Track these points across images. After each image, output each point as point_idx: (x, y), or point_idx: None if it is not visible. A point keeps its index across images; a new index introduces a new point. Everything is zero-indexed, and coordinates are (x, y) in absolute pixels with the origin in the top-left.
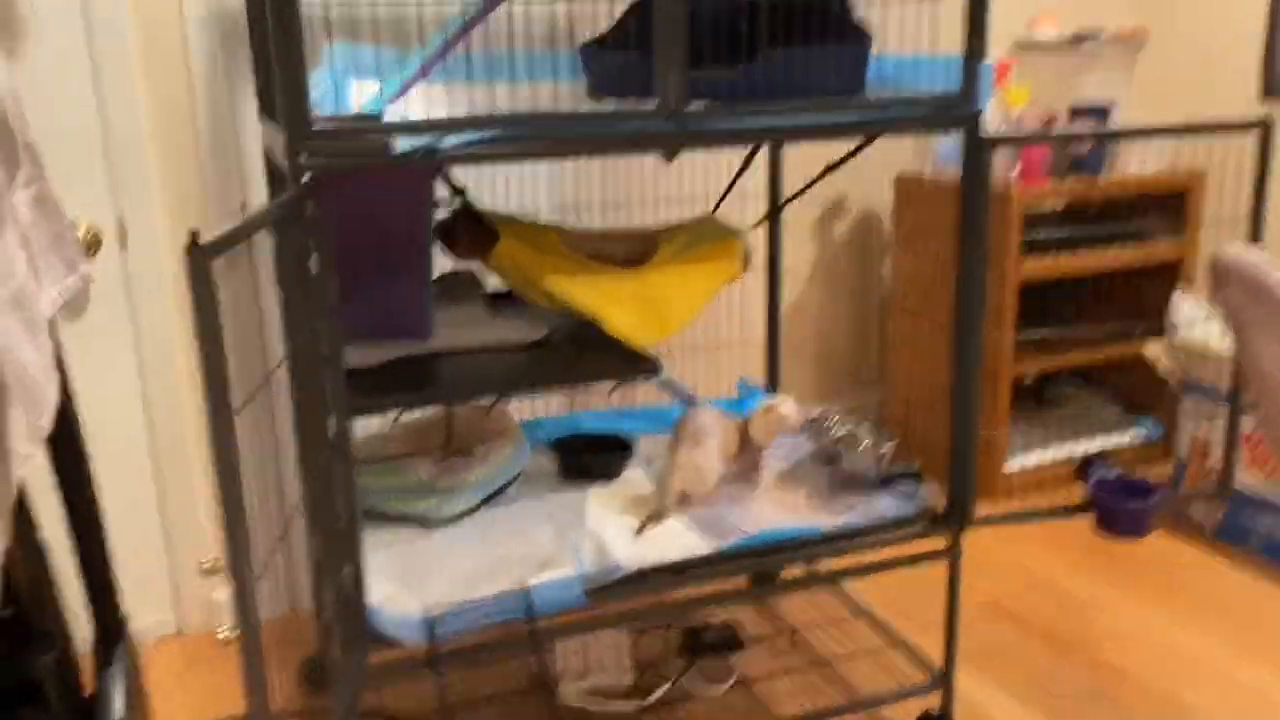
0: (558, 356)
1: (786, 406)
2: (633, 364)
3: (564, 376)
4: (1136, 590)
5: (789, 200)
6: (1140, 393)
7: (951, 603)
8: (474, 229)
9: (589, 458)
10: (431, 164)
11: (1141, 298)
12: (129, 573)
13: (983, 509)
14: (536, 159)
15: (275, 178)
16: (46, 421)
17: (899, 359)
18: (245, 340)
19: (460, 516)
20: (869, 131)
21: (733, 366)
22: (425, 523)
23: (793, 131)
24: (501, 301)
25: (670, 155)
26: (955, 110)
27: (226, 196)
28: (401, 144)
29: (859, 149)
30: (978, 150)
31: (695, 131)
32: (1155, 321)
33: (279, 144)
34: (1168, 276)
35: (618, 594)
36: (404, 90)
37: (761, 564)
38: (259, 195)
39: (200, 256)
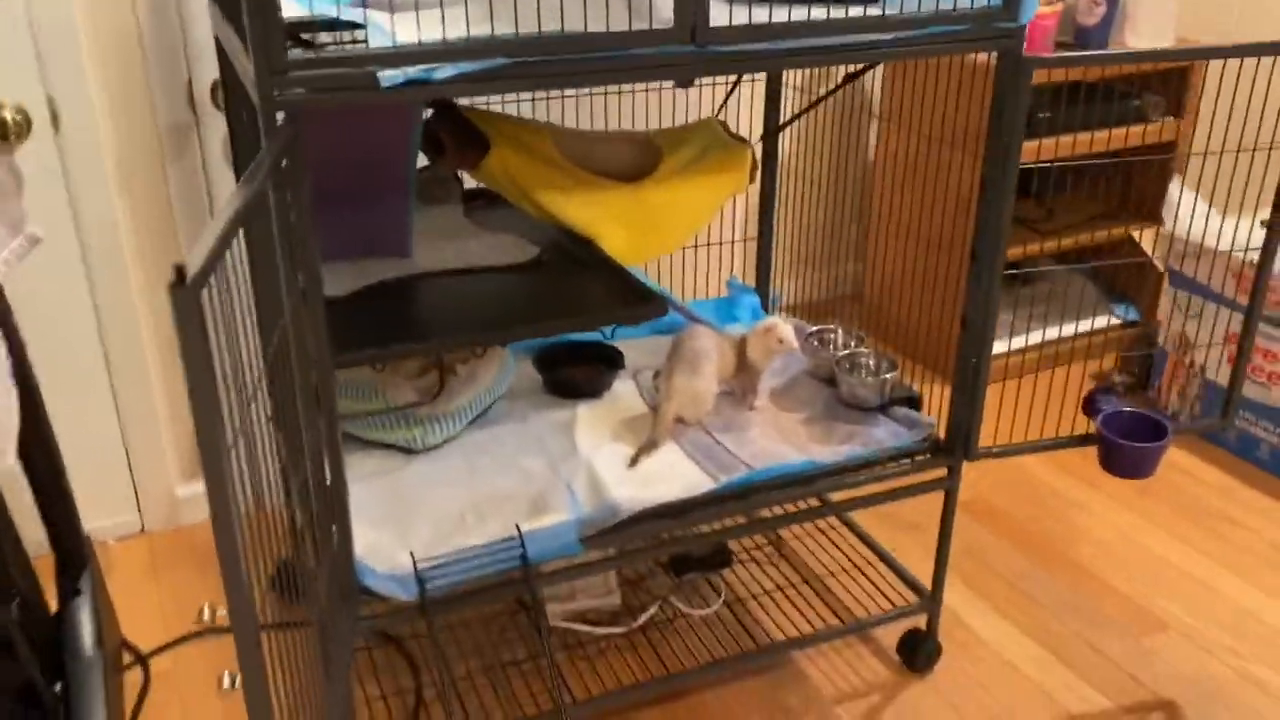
0: (551, 283)
1: (785, 330)
2: (638, 303)
3: (562, 318)
4: (1116, 489)
5: (799, 115)
6: (1121, 275)
7: (944, 532)
8: (461, 136)
9: (575, 372)
10: (423, 96)
11: (1132, 178)
12: (87, 473)
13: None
14: (542, 89)
15: (226, 63)
16: (11, 452)
17: (880, 236)
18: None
19: (444, 443)
20: (903, 54)
21: (720, 261)
22: (407, 451)
23: (822, 53)
24: (482, 202)
25: (686, 83)
26: (996, 24)
27: (170, 71)
28: (390, 75)
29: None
30: (1018, 73)
31: (719, 56)
32: (1144, 205)
33: (247, 74)
34: (1160, 158)
35: (615, 537)
36: None
37: (765, 500)
38: (208, 70)
39: (189, 293)
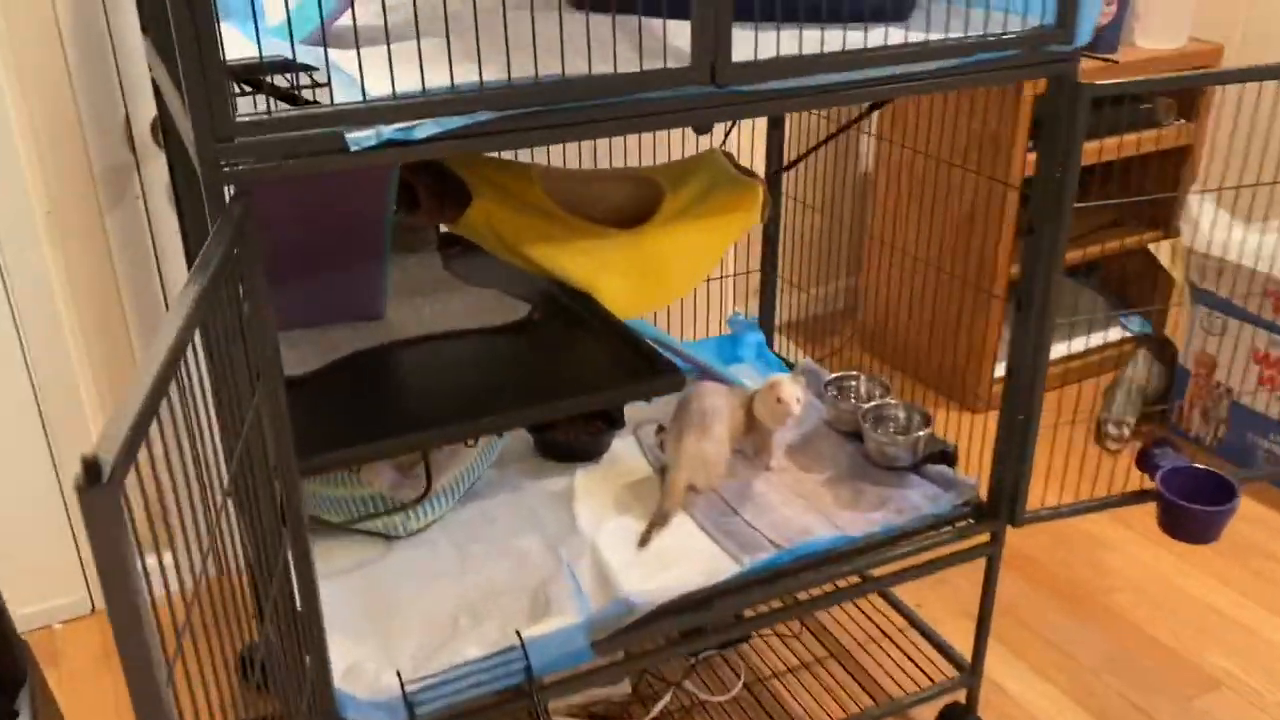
0: (546, 348)
1: (787, 390)
2: (650, 374)
3: (562, 397)
4: (1146, 525)
5: (815, 148)
6: (1131, 287)
7: (985, 602)
8: (438, 186)
9: (570, 432)
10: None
11: (1143, 185)
12: (28, 550)
13: (965, 422)
14: (539, 143)
15: (162, 101)
16: None
17: (878, 253)
18: (139, 287)
19: (428, 526)
20: (946, 85)
21: (720, 294)
22: (387, 537)
23: (857, 88)
24: (459, 249)
25: (705, 128)
26: (1049, 48)
27: (105, 108)
28: (361, 137)
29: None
30: (1075, 103)
31: (743, 97)
32: (1157, 212)
33: (186, 135)
34: (1173, 164)
35: (629, 636)
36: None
37: (796, 584)
38: (147, 106)
39: (106, 495)
